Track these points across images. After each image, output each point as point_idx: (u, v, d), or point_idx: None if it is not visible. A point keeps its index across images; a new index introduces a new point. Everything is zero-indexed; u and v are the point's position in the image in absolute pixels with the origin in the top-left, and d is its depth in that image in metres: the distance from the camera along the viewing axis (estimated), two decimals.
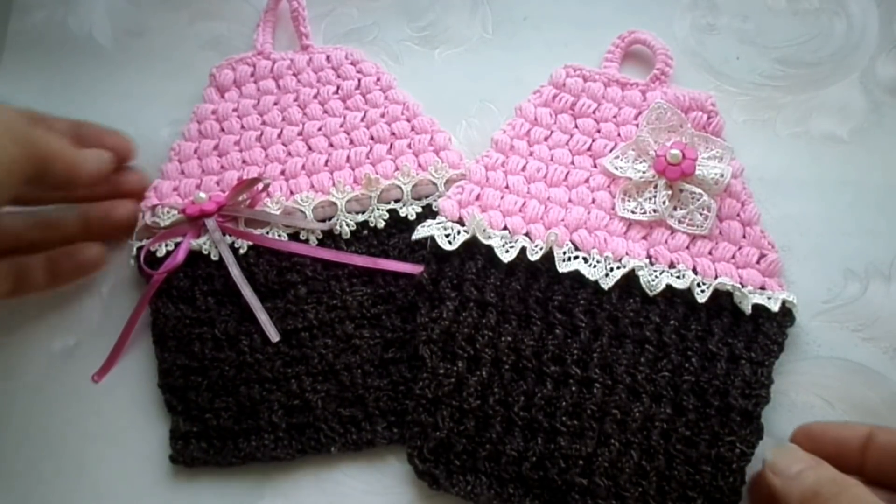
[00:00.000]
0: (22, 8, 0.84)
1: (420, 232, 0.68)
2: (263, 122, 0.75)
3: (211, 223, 0.70)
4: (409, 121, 0.73)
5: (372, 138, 0.73)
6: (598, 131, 0.71)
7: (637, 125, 0.70)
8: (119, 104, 0.80)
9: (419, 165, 0.72)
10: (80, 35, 0.83)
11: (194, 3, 0.82)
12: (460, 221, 0.68)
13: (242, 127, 0.75)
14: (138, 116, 0.79)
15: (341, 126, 0.74)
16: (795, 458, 0.59)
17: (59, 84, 0.82)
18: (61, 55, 0.82)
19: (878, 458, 0.59)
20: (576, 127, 0.71)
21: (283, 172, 0.73)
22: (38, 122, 0.64)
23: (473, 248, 0.67)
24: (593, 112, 0.72)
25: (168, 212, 0.72)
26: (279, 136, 0.74)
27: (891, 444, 0.58)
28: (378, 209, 0.71)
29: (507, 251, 0.66)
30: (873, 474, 0.59)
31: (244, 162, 0.74)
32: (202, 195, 0.71)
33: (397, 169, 0.72)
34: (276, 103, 0.75)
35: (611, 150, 0.70)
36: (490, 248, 0.66)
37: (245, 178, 0.72)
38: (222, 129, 0.75)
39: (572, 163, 0.70)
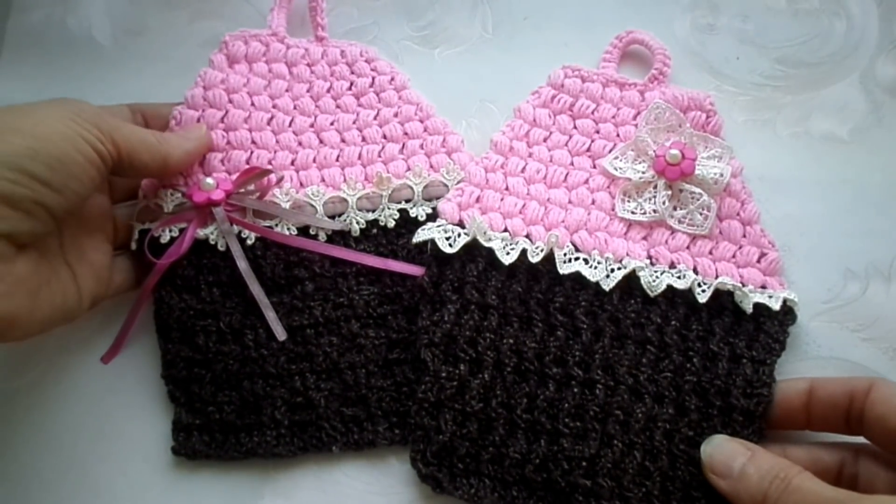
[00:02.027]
0: (21, 7, 0.84)
1: (420, 235, 0.68)
2: (275, 106, 0.74)
3: (219, 213, 0.69)
4: (422, 121, 0.73)
5: (384, 137, 0.73)
6: (597, 132, 0.71)
7: (636, 125, 0.70)
8: (118, 103, 0.80)
9: (431, 166, 0.72)
10: (80, 34, 0.82)
11: (194, 2, 0.82)
12: (461, 224, 0.68)
13: (252, 105, 0.74)
14: None
15: (354, 123, 0.74)
16: (731, 452, 0.60)
17: (58, 83, 0.81)
18: (60, 54, 0.82)
19: (822, 412, 0.61)
20: (574, 128, 0.71)
21: (293, 162, 0.73)
22: (108, 114, 0.65)
23: (474, 251, 0.67)
24: (592, 113, 0.72)
25: (172, 194, 0.71)
26: (290, 124, 0.74)
27: (831, 396, 0.60)
28: (389, 208, 0.71)
29: (507, 253, 0.66)
30: (820, 426, 0.62)
31: (254, 143, 0.73)
32: (209, 181, 0.69)
33: (409, 169, 0.72)
34: (288, 90, 0.75)
35: (610, 151, 0.70)
36: (491, 251, 0.66)
37: (254, 161, 0.72)
38: (231, 102, 0.74)
39: (572, 164, 0.70)
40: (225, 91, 0.74)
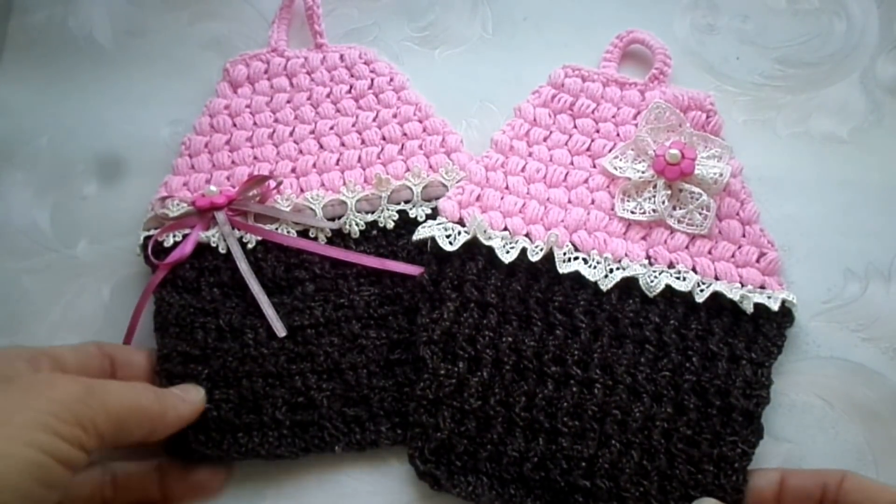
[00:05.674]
0: (22, 8, 0.84)
1: (421, 233, 0.68)
2: (276, 120, 0.75)
3: (220, 216, 0.70)
4: (420, 122, 0.74)
5: (384, 138, 0.74)
6: (597, 131, 0.71)
7: (636, 125, 0.70)
8: (119, 104, 0.80)
9: (430, 167, 0.72)
10: (81, 35, 0.83)
11: (194, 3, 0.82)
12: (461, 222, 0.68)
13: (255, 123, 0.75)
14: (138, 116, 0.79)
15: (353, 126, 0.74)
16: None
17: (58, 84, 0.82)
18: (61, 55, 0.82)
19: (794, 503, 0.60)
20: (575, 127, 0.71)
21: (293, 170, 0.73)
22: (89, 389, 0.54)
23: (474, 249, 0.67)
24: (592, 112, 0.72)
25: (178, 204, 0.72)
26: (291, 133, 0.75)
27: (803, 488, 0.59)
28: (388, 209, 0.71)
29: (507, 252, 0.66)
30: None
31: (255, 158, 0.74)
32: (213, 188, 0.71)
33: (408, 170, 0.72)
34: (288, 101, 0.76)
35: (610, 150, 0.70)
36: (491, 249, 0.66)
37: (256, 174, 0.72)
38: (234, 125, 0.75)
39: (571, 163, 0.70)
40: (228, 115, 0.75)
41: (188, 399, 0.63)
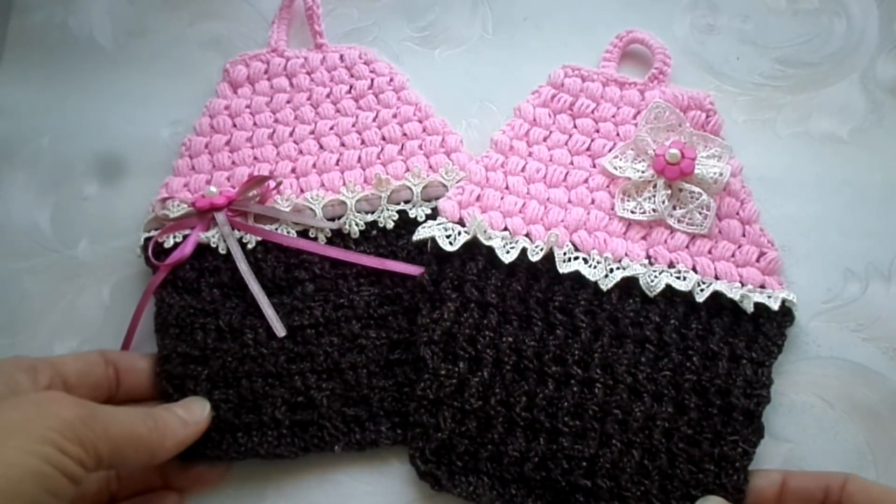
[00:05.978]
0: (22, 8, 0.84)
1: (421, 233, 0.68)
2: (276, 120, 0.75)
3: (220, 217, 0.70)
4: (420, 122, 0.74)
5: (383, 139, 0.74)
6: (597, 131, 0.71)
7: (636, 125, 0.70)
8: (119, 104, 0.80)
9: (430, 167, 0.72)
10: (81, 35, 0.83)
11: (194, 3, 0.82)
12: (461, 222, 0.68)
13: (255, 124, 0.75)
14: (138, 116, 0.80)
15: (353, 126, 0.74)
16: None
17: (59, 84, 0.82)
18: (61, 55, 0.82)
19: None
20: (574, 127, 0.71)
21: (293, 170, 0.73)
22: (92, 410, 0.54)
23: (474, 249, 0.67)
24: (592, 112, 0.72)
25: (178, 205, 0.72)
26: (291, 134, 0.75)
27: (805, 490, 0.59)
28: (388, 210, 0.71)
29: (507, 252, 0.66)
30: None
31: (255, 159, 0.74)
32: (213, 189, 0.71)
33: (408, 170, 0.72)
34: (288, 101, 0.76)
35: (609, 150, 0.70)
36: (491, 249, 0.67)
37: (256, 174, 0.72)
38: (234, 125, 0.75)
39: (571, 163, 0.70)
40: (228, 116, 0.75)
41: (191, 421, 0.63)
